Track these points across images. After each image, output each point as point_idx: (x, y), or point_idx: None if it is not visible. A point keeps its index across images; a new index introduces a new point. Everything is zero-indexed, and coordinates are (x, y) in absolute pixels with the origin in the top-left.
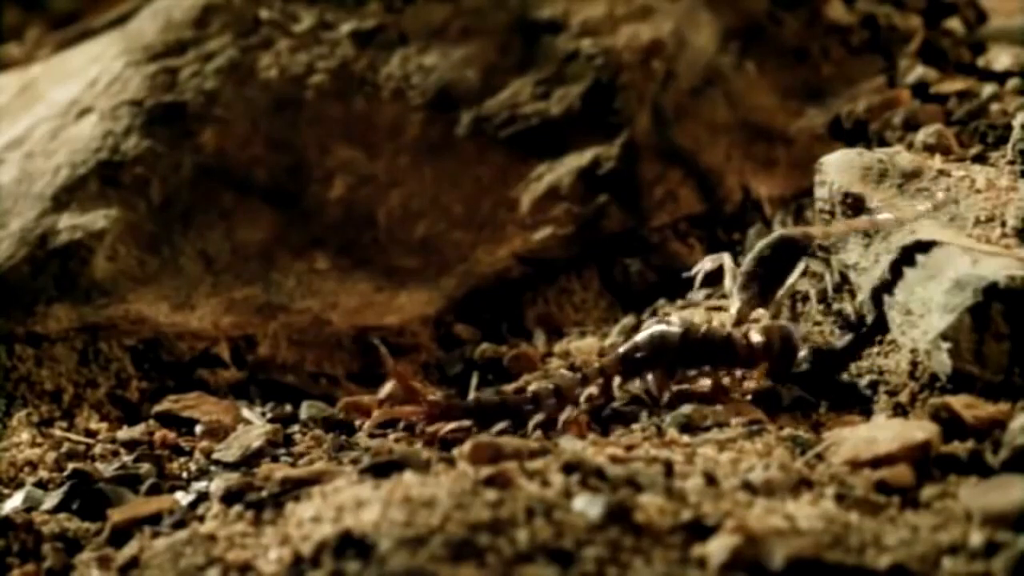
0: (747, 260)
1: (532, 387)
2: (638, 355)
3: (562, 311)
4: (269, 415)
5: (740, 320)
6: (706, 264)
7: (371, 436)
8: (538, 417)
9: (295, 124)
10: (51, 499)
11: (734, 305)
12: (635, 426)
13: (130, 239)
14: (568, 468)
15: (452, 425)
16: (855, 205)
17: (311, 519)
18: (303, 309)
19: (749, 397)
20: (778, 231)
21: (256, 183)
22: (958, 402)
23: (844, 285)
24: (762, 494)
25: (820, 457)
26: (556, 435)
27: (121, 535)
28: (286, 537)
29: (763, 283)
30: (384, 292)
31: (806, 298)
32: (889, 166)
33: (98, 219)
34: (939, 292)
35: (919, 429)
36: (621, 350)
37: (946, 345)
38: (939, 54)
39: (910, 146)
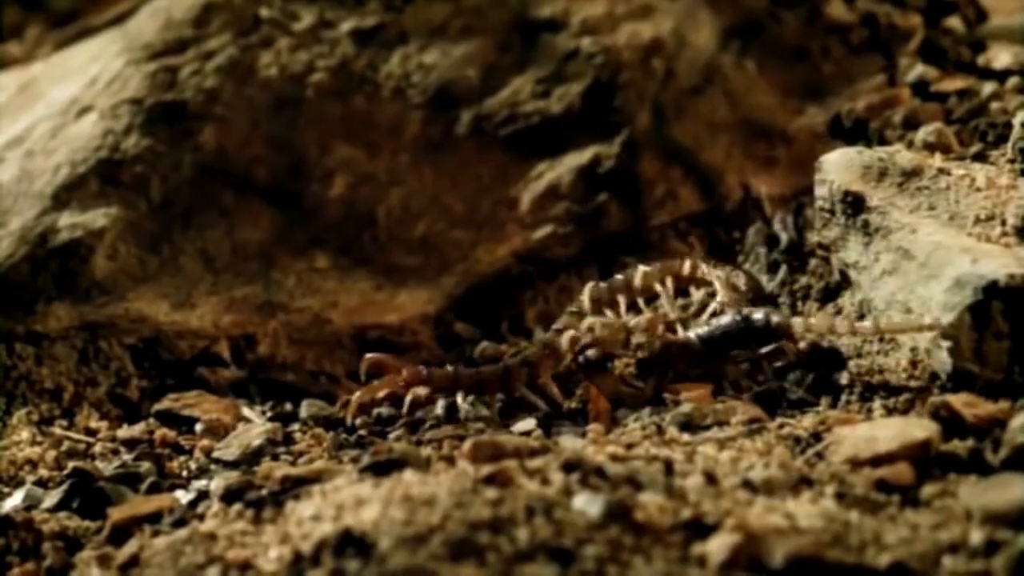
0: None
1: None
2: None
3: (562, 310)
4: (269, 414)
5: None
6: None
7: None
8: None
9: (295, 123)
10: (51, 497)
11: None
12: (634, 424)
13: (130, 238)
14: (568, 467)
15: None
16: (855, 204)
17: (311, 518)
18: (303, 308)
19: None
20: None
21: (256, 182)
22: (958, 400)
23: (844, 283)
24: (762, 492)
25: (820, 456)
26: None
27: (121, 533)
28: (286, 535)
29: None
30: (384, 291)
31: (806, 296)
32: (889, 165)
33: (98, 218)
34: (939, 291)
35: (919, 428)
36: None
37: (946, 343)
38: (939, 52)
39: (910, 144)
